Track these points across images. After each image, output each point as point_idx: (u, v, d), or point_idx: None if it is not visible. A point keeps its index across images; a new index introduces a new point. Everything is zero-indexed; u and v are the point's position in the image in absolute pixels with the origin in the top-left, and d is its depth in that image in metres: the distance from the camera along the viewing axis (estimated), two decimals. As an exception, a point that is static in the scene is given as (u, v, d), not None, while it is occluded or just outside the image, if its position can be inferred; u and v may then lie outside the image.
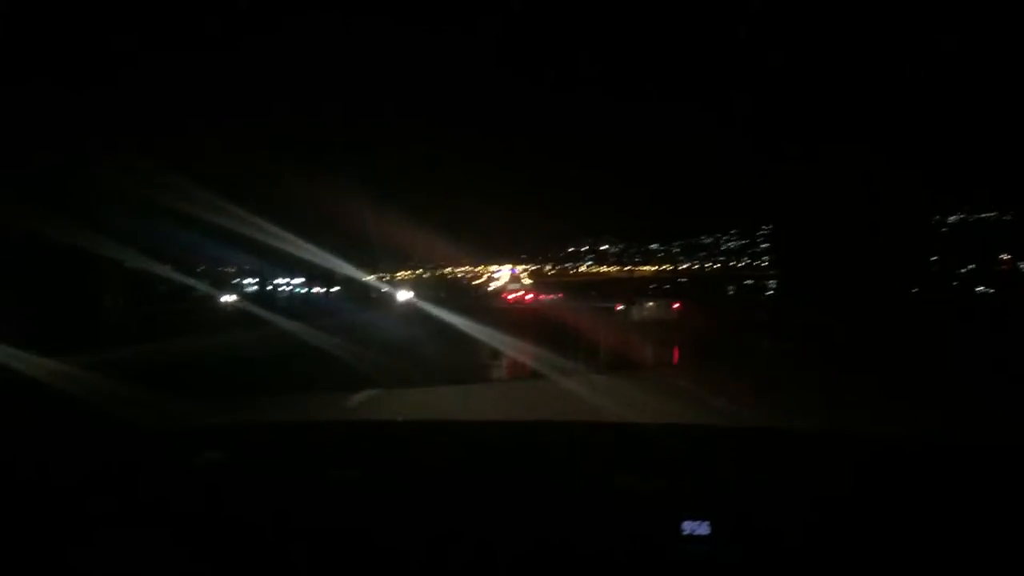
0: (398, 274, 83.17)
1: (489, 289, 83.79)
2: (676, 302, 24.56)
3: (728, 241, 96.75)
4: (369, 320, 19.38)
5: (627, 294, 27.07)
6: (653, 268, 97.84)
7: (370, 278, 38.03)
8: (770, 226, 65.03)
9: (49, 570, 1.13)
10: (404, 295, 34.41)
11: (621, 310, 24.25)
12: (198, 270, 32.13)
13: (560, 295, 47.30)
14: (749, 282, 55.62)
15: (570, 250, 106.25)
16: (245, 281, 41.00)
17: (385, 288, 38.66)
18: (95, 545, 1.17)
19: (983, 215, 64.93)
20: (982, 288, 37.05)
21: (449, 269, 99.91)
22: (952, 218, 66.66)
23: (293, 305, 27.41)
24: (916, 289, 32.49)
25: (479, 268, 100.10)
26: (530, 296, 46.38)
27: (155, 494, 1.42)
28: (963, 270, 49.39)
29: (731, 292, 51.79)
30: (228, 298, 24.80)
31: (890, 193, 35.24)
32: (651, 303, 24.05)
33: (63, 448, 1.83)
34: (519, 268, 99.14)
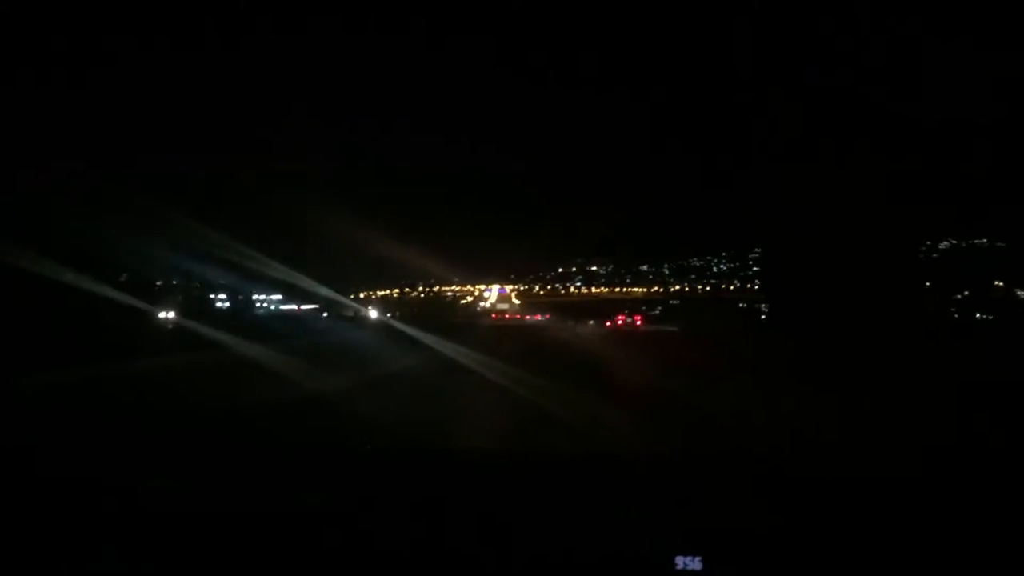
0: (379, 293, 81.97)
1: (478, 309, 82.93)
2: (607, 321, 35.72)
3: (719, 263, 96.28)
4: (343, 341, 17.89)
5: (574, 314, 37.73)
6: (644, 290, 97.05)
7: (341, 298, 37.03)
8: (759, 250, 64.63)
9: None
10: (375, 314, 34.07)
11: (570, 324, 34.63)
12: (157, 283, 30.69)
13: (548, 316, 47.71)
14: (742, 305, 54.76)
15: (559, 270, 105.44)
16: (220, 296, 40.06)
17: (361, 308, 37.40)
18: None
19: (975, 241, 64.70)
20: (980, 315, 36.43)
21: (437, 288, 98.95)
22: (943, 244, 66.37)
23: (257, 323, 25.55)
24: (913, 316, 31.72)
25: (467, 287, 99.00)
26: (508, 316, 52.77)
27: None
28: (958, 296, 48.74)
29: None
30: (168, 314, 22.56)
31: (882, 217, 34.80)
32: (591, 321, 35.69)
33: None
34: (508, 288, 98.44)
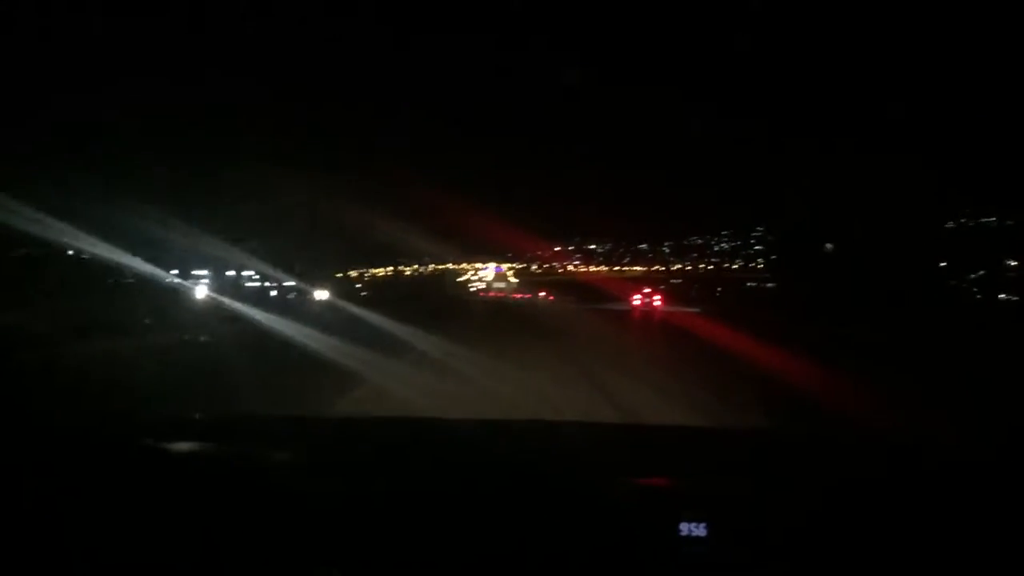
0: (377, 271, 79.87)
1: (472, 288, 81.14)
2: (551, 296, 44.11)
3: (720, 242, 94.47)
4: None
5: (535, 287, 48.13)
6: (643, 268, 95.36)
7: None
8: (762, 228, 62.96)
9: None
10: (321, 294, 28.71)
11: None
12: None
13: (541, 295, 46.84)
14: (751, 284, 52.90)
15: (557, 249, 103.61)
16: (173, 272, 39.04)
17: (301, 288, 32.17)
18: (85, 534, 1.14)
19: (984, 220, 62.84)
20: (1004, 295, 34.69)
21: (433, 266, 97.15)
22: (950, 223, 64.36)
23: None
24: (926, 295, 30.27)
25: (464, 265, 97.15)
26: (492, 293, 55.34)
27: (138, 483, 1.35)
28: (973, 276, 47.04)
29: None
30: None
31: (895, 195, 33.66)
32: (542, 292, 46.36)
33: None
34: (505, 266, 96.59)
